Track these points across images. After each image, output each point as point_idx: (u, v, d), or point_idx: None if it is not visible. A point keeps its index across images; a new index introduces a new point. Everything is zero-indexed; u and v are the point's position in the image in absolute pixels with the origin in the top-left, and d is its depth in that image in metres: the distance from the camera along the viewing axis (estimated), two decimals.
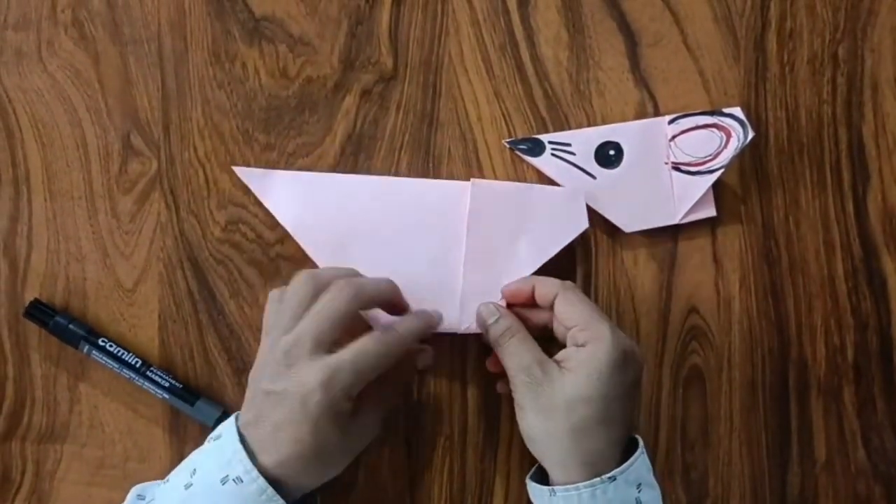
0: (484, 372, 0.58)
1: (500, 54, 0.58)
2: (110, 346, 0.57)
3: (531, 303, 0.54)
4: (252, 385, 0.49)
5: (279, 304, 0.49)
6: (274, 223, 0.58)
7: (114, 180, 0.58)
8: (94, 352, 0.57)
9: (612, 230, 0.58)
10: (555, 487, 0.48)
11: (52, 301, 0.58)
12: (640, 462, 0.49)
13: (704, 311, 0.59)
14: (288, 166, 0.58)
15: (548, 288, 0.52)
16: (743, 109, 0.57)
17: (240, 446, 0.46)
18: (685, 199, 0.58)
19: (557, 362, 0.50)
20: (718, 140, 0.57)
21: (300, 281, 0.50)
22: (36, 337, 0.58)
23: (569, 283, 0.53)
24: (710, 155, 0.57)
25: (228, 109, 0.58)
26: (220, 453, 0.47)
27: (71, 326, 0.57)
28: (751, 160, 0.59)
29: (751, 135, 0.57)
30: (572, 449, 0.48)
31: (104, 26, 0.58)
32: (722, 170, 0.57)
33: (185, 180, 0.58)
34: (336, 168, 0.58)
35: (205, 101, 0.58)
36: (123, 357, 0.57)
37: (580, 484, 0.47)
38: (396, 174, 0.58)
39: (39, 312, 0.57)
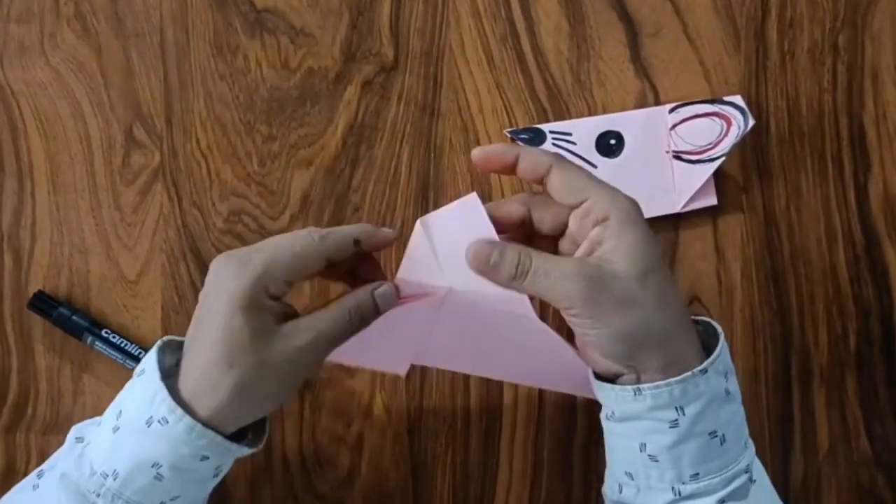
0: None
1: (500, 45, 0.59)
2: (113, 336, 0.57)
3: (507, 172, 0.47)
4: None
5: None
6: (276, 214, 0.58)
7: (117, 172, 0.58)
8: (97, 343, 0.57)
9: None
10: (640, 386, 0.43)
11: (56, 293, 0.58)
12: (725, 349, 0.45)
13: (706, 300, 0.59)
14: (289, 157, 0.58)
15: (537, 158, 0.45)
16: (743, 98, 0.57)
17: (160, 384, 0.44)
18: (686, 188, 0.58)
19: (592, 255, 0.44)
20: (719, 128, 0.57)
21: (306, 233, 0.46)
22: (40, 329, 0.58)
23: (555, 153, 0.46)
24: (710, 143, 0.57)
25: (230, 101, 0.58)
26: (142, 392, 0.44)
27: (74, 318, 0.57)
28: (752, 149, 0.59)
29: (751, 122, 0.57)
30: (668, 324, 0.43)
31: (106, 19, 0.58)
32: (723, 158, 0.57)
33: (187, 172, 0.58)
34: (337, 158, 0.58)
35: (207, 93, 0.58)
36: (126, 348, 0.57)
37: (672, 380, 0.43)
38: (398, 165, 0.58)
39: (43, 304, 0.57)
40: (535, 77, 0.59)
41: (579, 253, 0.45)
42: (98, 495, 0.44)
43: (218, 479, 0.48)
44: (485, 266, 0.45)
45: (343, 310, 0.46)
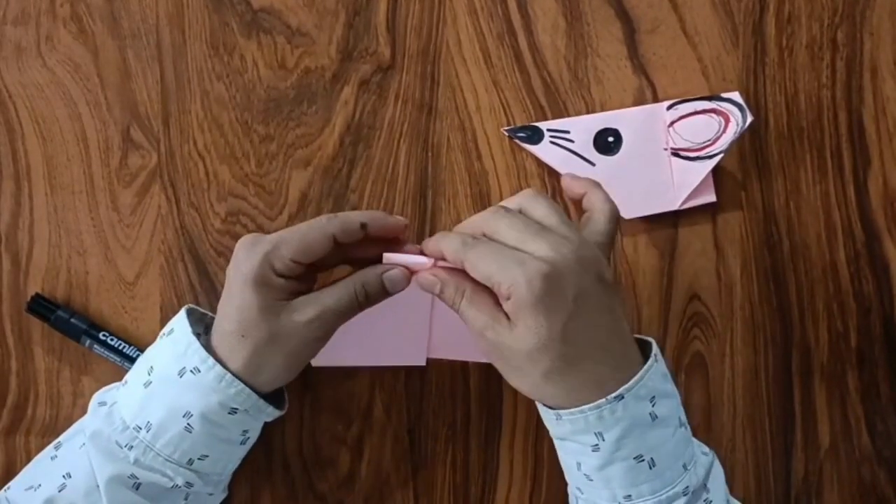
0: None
1: (497, 43, 0.58)
2: (111, 339, 0.57)
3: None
4: None
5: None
6: (274, 214, 0.58)
7: (114, 174, 0.58)
8: (95, 345, 0.57)
9: None
10: (560, 412, 0.46)
11: (54, 295, 0.58)
12: (652, 373, 0.46)
13: (706, 298, 0.59)
14: (287, 157, 0.58)
15: (451, 252, 0.46)
16: (742, 94, 0.57)
17: (193, 337, 0.48)
18: (685, 185, 0.58)
19: (507, 314, 0.46)
20: (717, 125, 0.57)
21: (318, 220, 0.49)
22: (39, 331, 0.58)
23: (466, 237, 0.46)
24: (709, 140, 0.57)
25: (227, 101, 0.58)
26: (174, 347, 0.48)
27: (72, 320, 0.57)
28: (751, 146, 0.59)
29: (749, 119, 0.57)
30: (560, 390, 0.45)
31: (103, 20, 0.58)
32: (721, 155, 0.57)
33: (185, 173, 0.58)
34: (334, 158, 0.58)
35: (204, 93, 0.58)
36: (125, 350, 0.57)
37: (585, 407, 0.45)
38: (395, 164, 0.58)
39: (41, 307, 0.57)
40: (532, 75, 0.58)
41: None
42: (130, 448, 0.47)
43: (245, 449, 0.51)
44: (431, 293, 0.48)
45: (349, 286, 0.48)
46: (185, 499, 0.50)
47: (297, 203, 0.58)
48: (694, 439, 0.49)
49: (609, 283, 0.46)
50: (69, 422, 0.58)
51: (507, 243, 0.45)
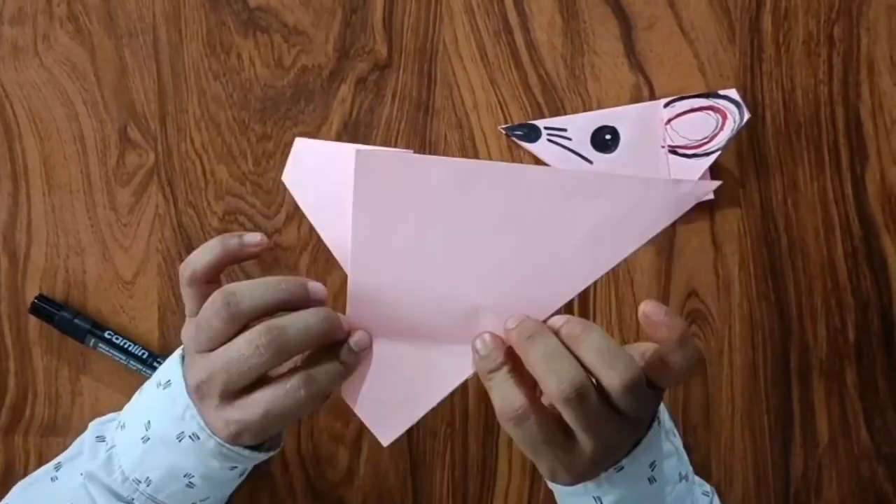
0: None
1: (494, 41, 0.58)
2: (116, 338, 0.57)
3: None
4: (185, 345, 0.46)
5: (194, 329, 0.44)
6: (271, 213, 0.58)
7: (111, 173, 0.58)
8: (100, 345, 0.57)
9: None
10: (559, 487, 0.45)
11: (53, 294, 0.58)
12: (655, 439, 0.45)
13: (704, 295, 0.59)
14: (284, 156, 0.58)
15: (547, 387, 0.42)
16: (739, 91, 0.57)
17: (190, 402, 0.44)
18: None
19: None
20: (714, 122, 0.57)
21: (214, 308, 0.43)
22: (37, 331, 0.58)
23: (560, 390, 0.41)
24: (706, 137, 0.57)
25: (224, 100, 0.58)
26: (172, 406, 0.45)
27: (76, 321, 0.57)
28: (748, 142, 0.59)
29: (746, 116, 0.56)
30: (566, 474, 0.44)
31: (99, 19, 0.58)
32: (718, 152, 0.57)
33: (182, 172, 0.58)
34: None
35: (201, 92, 0.58)
36: (130, 349, 0.57)
37: (588, 483, 0.44)
38: None
39: (44, 308, 0.57)
40: (529, 72, 0.58)
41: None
42: (132, 500, 0.46)
43: (243, 478, 0.49)
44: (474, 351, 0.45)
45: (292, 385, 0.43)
46: None
47: (295, 202, 0.58)
48: (696, 479, 0.49)
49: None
50: (68, 421, 0.58)
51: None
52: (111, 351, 0.57)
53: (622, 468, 0.44)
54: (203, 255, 0.45)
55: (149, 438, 0.46)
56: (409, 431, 0.58)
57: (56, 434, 0.58)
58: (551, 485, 0.47)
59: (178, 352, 0.47)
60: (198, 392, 0.43)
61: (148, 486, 0.46)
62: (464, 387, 0.59)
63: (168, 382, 0.46)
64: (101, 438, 0.48)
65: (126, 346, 0.57)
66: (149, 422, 0.46)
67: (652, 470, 0.46)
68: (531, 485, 0.59)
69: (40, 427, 0.58)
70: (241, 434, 0.43)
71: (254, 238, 0.45)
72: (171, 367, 0.47)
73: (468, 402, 0.59)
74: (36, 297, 0.57)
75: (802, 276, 0.59)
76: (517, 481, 0.59)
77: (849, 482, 0.59)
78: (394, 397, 0.45)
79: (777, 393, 0.59)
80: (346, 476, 0.59)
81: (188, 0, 0.58)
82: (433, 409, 0.46)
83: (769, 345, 0.59)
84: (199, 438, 0.45)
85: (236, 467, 0.47)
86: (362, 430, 0.59)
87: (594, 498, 0.45)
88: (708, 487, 0.50)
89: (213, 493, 0.48)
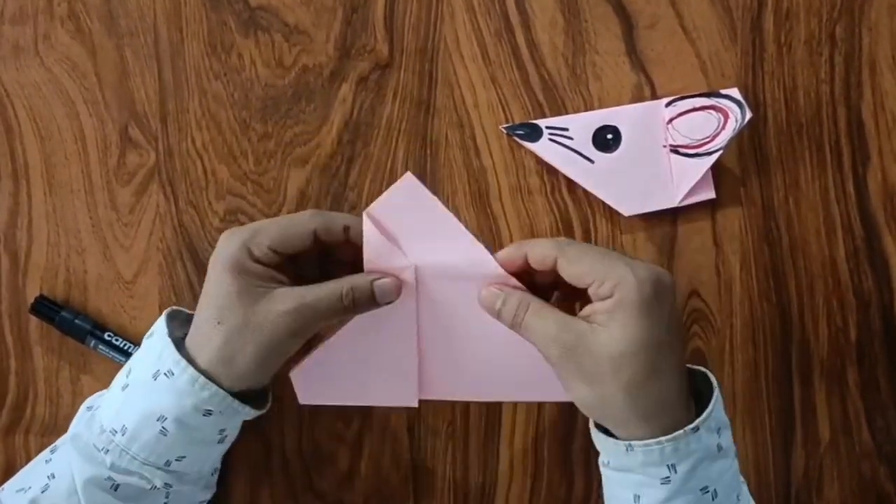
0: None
1: (495, 40, 0.58)
2: (116, 339, 0.57)
3: (528, 269, 0.48)
4: None
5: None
6: (272, 212, 0.58)
7: (112, 172, 0.58)
8: (100, 346, 0.57)
9: (610, 214, 0.58)
10: (632, 443, 0.44)
11: (54, 294, 0.58)
12: (718, 403, 0.46)
13: (705, 294, 0.59)
14: (285, 155, 0.58)
15: (543, 251, 0.46)
16: (740, 90, 0.57)
17: (168, 340, 0.47)
18: (684, 182, 0.58)
19: (586, 319, 0.45)
20: (716, 122, 0.57)
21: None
22: (38, 330, 0.58)
23: (563, 239, 0.48)
24: (707, 137, 0.57)
25: (225, 100, 0.58)
26: (150, 350, 0.48)
27: (77, 321, 0.57)
28: (749, 142, 0.59)
29: (748, 115, 0.56)
30: (633, 408, 0.44)
31: (100, 19, 0.58)
32: (720, 151, 0.57)
33: (183, 171, 0.58)
34: (332, 156, 0.58)
35: (202, 91, 0.58)
36: (130, 350, 0.57)
37: (662, 438, 0.44)
38: (394, 162, 0.58)
39: (45, 308, 0.57)
40: (530, 72, 0.58)
41: (580, 313, 0.46)
42: (107, 451, 0.47)
43: (224, 447, 0.51)
44: (490, 311, 0.48)
45: (336, 287, 0.47)
46: (167, 498, 0.49)
47: (296, 201, 0.58)
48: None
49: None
50: (69, 421, 0.57)
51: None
52: (111, 352, 0.57)
53: (697, 429, 0.44)
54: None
55: (128, 385, 0.48)
56: (411, 432, 0.59)
57: (57, 434, 0.58)
58: (620, 459, 0.46)
59: (165, 311, 0.50)
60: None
61: (123, 435, 0.47)
62: None
63: (151, 334, 0.49)
64: (90, 407, 0.50)
65: (126, 348, 0.57)
66: (129, 370, 0.49)
67: (719, 436, 0.46)
68: (532, 486, 0.59)
69: (41, 427, 0.58)
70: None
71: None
72: (157, 323, 0.49)
73: (469, 403, 0.59)
74: (37, 298, 0.57)
75: (804, 275, 0.59)
76: (518, 483, 0.59)
77: (850, 482, 0.59)
78: (331, 375, 0.51)
79: (778, 392, 0.59)
80: (347, 476, 0.59)
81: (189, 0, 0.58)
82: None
83: (770, 344, 0.59)
84: (172, 374, 0.46)
85: (210, 413, 0.47)
86: (363, 430, 0.59)
87: (669, 466, 0.44)
88: (741, 477, 0.50)
89: (188, 451, 0.48)
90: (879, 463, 0.59)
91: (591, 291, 0.45)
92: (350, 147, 0.58)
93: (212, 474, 0.53)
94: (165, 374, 0.46)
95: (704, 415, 0.44)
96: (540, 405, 0.58)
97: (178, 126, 0.58)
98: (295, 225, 0.47)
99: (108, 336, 0.57)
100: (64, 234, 0.58)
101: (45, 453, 0.51)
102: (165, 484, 0.48)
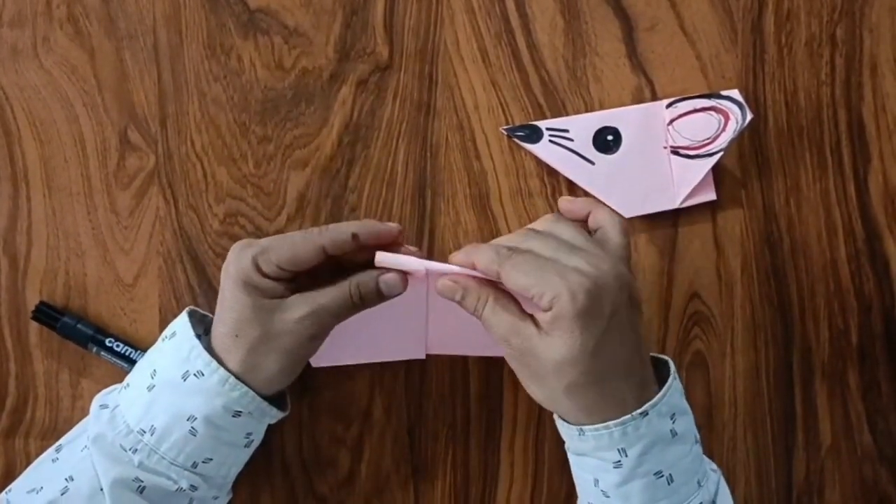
0: (486, 360, 0.58)
1: (495, 42, 0.58)
2: (117, 345, 0.57)
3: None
4: None
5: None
6: (272, 215, 0.58)
7: (112, 175, 0.58)
8: (102, 352, 0.57)
9: None
10: (583, 427, 0.46)
11: (53, 297, 0.58)
12: (672, 390, 0.47)
13: (706, 297, 0.59)
14: (285, 158, 0.58)
15: (487, 264, 0.46)
16: (741, 92, 0.57)
17: (196, 341, 0.48)
18: (685, 183, 0.57)
19: (536, 323, 0.46)
20: (717, 123, 0.57)
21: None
22: (37, 334, 0.58)
23: (504, 248, 0.46)
24: (708, 138, 0.57)
25: (225, 102, 0.58)
26: (177, 350, 0.48)
27: (79, 327, 0.57)
28: (750, 143, 0.59)
29: (749, 117, 0.56)
30: (577, 406, 0.46)
31: (99, 21, 0.58)
32: (721, 153, 0.57)
33: (182, 174, 0.58)
34: (332, 159, 0.58)
35: (201, 94, 0.58)
36: (131, 356, 0.57)
37: (610, 423, 0.45)
38: (394, 164, 0.58)
39: (46, 315, 0.57)
40: (530, 74, 0.58)
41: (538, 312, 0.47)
42: (135, 451, 0.48)
43: (248, 452, 0.52)
44: (451, 300, 0.48)
45: (344, 287, 0.49)
46: (190, 502, 0.50)
47: (296, 204, 0.58)
48: (704, 456, 0.50)
49: (637, 301, 0.46)
50: (68, 424, 0.58)
51: (543, 256, 0.46)
52: (112, 358, 0.57)
53: (646, 413, 0.45)
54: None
55: (154, 386, 0.48)
56: (411, 434, 0.58)
57: (56, 437, 0.58)
58: (575, 443, 0.47)
59: (185, 310, 0.50)
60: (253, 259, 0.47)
61: (152, 435, 0.47)
62: (465, 390, 0.58)
63: (174, 334, 0.50)
64: (104, 406, 0.50)
65: (127, 354, 0.57)
66: (154, 370, 0.49)
67: (673, 422, 0.46)
68: (533, 488, 0.59)
69: (41, 430, 0.58)
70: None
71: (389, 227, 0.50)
72: (177, 322, 0.50)
73: (470, 405, 0.59)
74: (38, 304, 0.57)
75: (805, 277, 0.59)
76: (519, 485, 0.59)
77: (851, 485, 0.59)
78: (341, 336, 0.51)
79: (779, 395, 0.59)
80: (347, 479, 0.59)
81: (188, 2, 0.58)
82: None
83: (772, 347, 0.59)
84: (203, 374, 0.47)
85: (240, 414, 0.48)
86: (364, 432, 0.59)
87: (619, 450, 0.45)
88: (714, 465, 0.51)
89: (215, 453, 0.49)
90: (881, 466, 0.59)
91: (534, 303, 0.46)
92: (350, 149, 0.58)
93: (233, 479, 0.53)
94: (195, 374, 0.47)
95: (654, 400, 0.45)
96: (540, 409, 0.58)
97: (177, 129, 0.58)
98: (304, 243, 0.48)
99: (110, 342, 0.57)
100: (63, 238, 0.58)
101: (51, 452, 0.51)
102: (191, 486, 0.48)
